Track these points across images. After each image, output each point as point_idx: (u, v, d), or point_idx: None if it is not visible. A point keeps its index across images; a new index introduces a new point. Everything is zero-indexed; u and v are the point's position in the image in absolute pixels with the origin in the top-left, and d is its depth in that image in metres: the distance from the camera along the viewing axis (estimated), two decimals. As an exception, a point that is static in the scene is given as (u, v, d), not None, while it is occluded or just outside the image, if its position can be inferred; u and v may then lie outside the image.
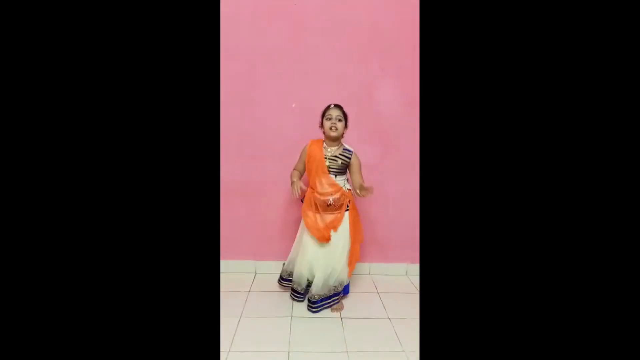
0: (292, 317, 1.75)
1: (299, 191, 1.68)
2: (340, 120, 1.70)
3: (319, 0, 1.99)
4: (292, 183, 1.73)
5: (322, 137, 1.78)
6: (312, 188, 1.76)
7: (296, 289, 1.86)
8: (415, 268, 2.28)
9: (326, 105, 1.74)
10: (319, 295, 1.77)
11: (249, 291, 2.00)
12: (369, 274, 2.28)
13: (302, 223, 1.81)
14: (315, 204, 1.74)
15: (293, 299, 1.88)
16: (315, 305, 1.77)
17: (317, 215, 1.74)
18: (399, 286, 2.14)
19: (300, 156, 1.80)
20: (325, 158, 1.71)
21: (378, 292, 2.05)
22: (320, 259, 1.78)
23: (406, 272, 2.30)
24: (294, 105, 2.07)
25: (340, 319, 1.75)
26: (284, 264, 1.97)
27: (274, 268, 2.22)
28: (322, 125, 1.75)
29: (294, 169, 1.80)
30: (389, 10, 2.02)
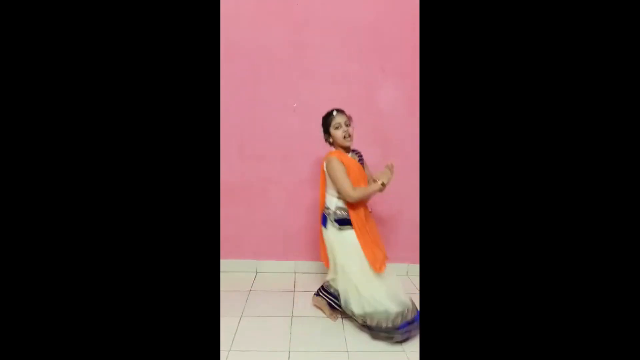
0: (292, 316, 1.76)
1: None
2: (348, 125, 1.53)
3: (320, 0, 2.00)
4: (381, 181, 1.43)
5: (331, 149, 1.59)
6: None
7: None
8: (416, 268, 2.28)
9: (326, 108, 1.60)
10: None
11: (250, 290, 2.00)
12: (370, 274, 2.28)
13: (350, 251, 1.53)
14: (365, 218, 1.54)
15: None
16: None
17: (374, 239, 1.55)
18: (399, 286, 2.14)
19: (343, 173, 1.48)
20: None
21: (379, 292, 2.05)
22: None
23: (407, 272, 2.30)
24: (295, 105, 2.07)
25: (340, 318, 1.75)
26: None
27: (275, 267, 2.23)
28: (329, 137, 1.55)
29: (353, 187, 1.48)
30: (390, 10, 2.02)
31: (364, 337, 1.61)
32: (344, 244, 1.54)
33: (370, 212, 1.64)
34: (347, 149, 1.58)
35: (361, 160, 1.63)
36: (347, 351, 1.51)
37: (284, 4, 1.99)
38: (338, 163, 1.50)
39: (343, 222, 1.53)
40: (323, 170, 1.58)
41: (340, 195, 1.52)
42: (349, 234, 1.52)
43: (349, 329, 1.68)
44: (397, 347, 1.55)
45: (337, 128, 1.52)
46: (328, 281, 1.72)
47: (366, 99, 2.08)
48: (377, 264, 1.49)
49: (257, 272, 2.22)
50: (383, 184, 1.43)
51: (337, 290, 1.67)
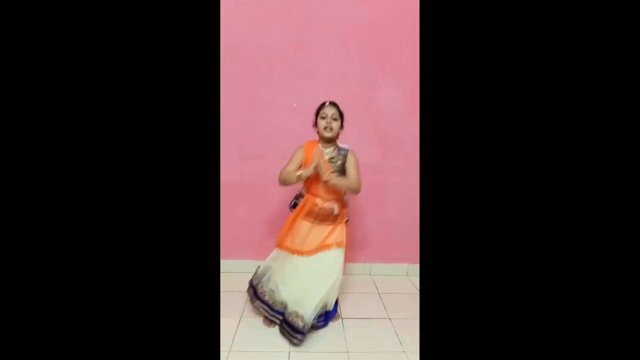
0: (292, 317, 1.75)
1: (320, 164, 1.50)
2: (335, 119, 1.57)
3: (320, 0, 1.99)
4: (304, 171, 1.52)
5: (316, 137, 1.66)
6: (312, 194, 1.62)
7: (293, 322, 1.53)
8: (416, 269, 2.28)
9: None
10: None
11: (250, 291, 2.00)
12: (370, 274, 2.28)
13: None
14: (314, 213, 1.60)
15: (293, 340, 1.53)
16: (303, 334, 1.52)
17: (312, 228, 1.61)
18: (399, 287, 2.14)
19: (293, 158, 1.62)
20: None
21: (379, 293, 2.05)
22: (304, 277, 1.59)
23: (407, 272, 2.30)
24: (295, 105, 2.07)
25: (340, 319, 1.75)
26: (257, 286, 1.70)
27: (275, 268, 2.22)
28: (315, 125, 1.62)
29: (285, 170, 1.61)
30: (390, 10, 2.01)
31: (364, 337, 1.61)
32: None
33: (335, 215, 1.62)
34: (327, 141, 1.61)
35: (344, 160, 1.61)
36: (347, 351, 1.51)
37: (284, 4, 1.99)
38: (299, 151, 1.63)
39: (293, 206, 1.69)
40: None
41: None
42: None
43: (349, 329, 1.68)
44: (398, 348, 1.55)
45: (322, 118, 1.59)
46: None
47: (366, 99, 2.08)
48: (280, 241, 1.64)
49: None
50: (299, 176, 1.53)
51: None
